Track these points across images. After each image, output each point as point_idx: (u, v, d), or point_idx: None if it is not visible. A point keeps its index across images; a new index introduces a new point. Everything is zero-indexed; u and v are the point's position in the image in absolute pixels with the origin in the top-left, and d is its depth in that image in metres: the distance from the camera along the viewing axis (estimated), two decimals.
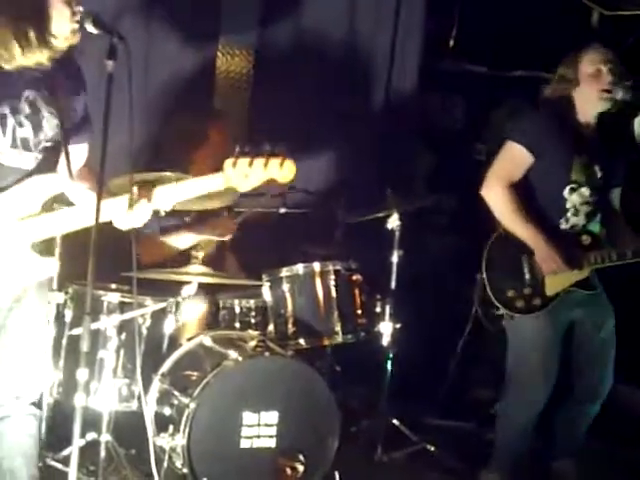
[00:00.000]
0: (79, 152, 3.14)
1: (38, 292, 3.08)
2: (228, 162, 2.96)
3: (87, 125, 3.17)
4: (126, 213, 2.98)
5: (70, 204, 3.11)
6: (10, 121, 2.88)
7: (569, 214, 3.93)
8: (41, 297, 3.13)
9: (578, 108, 3.97)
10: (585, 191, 3.92)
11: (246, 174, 2.95)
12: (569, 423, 4.17)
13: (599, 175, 3.96)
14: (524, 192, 3.95)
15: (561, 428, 4.18)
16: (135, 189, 2.98)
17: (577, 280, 3.94)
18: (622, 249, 3.90)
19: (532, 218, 3.89)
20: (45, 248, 3.02)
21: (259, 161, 2.93)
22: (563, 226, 3.95)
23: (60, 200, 3.07)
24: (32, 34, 2.84)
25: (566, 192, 3.91)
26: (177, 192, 3.06)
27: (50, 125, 2.97)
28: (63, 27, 2.89)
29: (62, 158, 3.01)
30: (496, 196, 3.93)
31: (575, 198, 3.92)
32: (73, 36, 2.93)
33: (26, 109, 2.92)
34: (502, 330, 4.12)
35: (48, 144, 2.98)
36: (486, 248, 4.03)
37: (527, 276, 3.94)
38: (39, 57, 2.89)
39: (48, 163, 2.99)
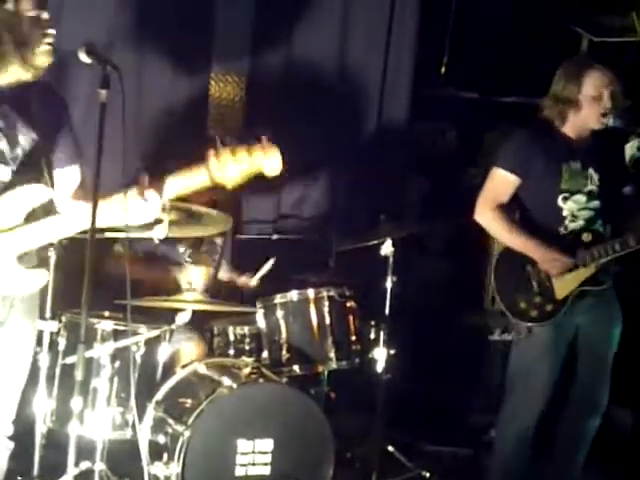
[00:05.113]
0: (67, 176, 3.11)
1: (25, 314, 3.01)
2: (210, 153, 2.84)
3: (73, 151, 3.12)
4: (122, 212, 2.87)
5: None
6: None
7: (567, 221, 3.95)
8: (28, 318, 3.06)
9: (571, 124, 3.98)
10: (580, 198, 3.94)
11: (230, 165, 2.84)
12: (569, 443, 4.13)
13: (596, 178, 3.96)
14: (521, 206, 4.02)
15: (561, 450, 4.15)
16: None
17: (585, 278, 3.93)
18: (624, 238, 3.88)
19: (527, 229, 3.95)
20: (33, 260, 2.97)
21: (241, 149, 2.83)
22: (562, 232, 3.96)
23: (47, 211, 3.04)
24: (8, 48, 2.86)
25: (560, 201, 3.93)
26: (169, 188, 2.92)
27: (27, 139, 2.94)
28: (35, 46, 2.90)
29: (45, 172, 2.98)
30: (487, 219, 4.02)
31: (571, 205, 3.94)
32: (48, 57, 2.93)
33: (0, 123, 2.91)
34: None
35: (25, 158, 2.94)
36: (491, 268, 4.07)
37: (535, 284, 3.95)
38: (19, 74, 2.91)
39: (26, 176, 2.94)
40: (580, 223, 3.95)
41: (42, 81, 3.01)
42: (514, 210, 4.05)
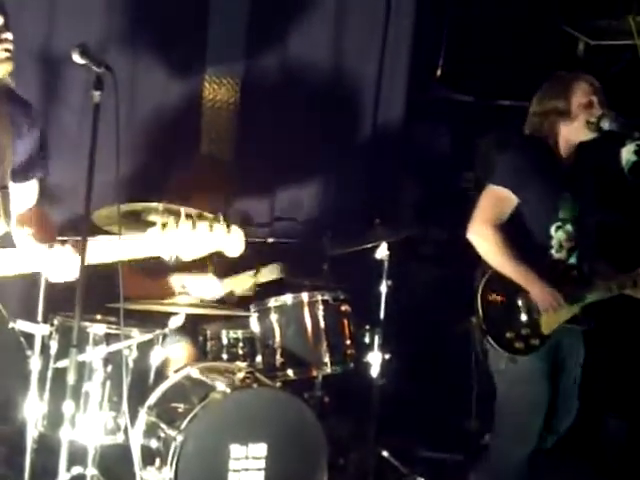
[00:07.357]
0: (24, 191, 3.07)
1: None
2: (170, 223, 2.84)
3: (35, 164, 3.08)
4: (55, 266, 2.88)
5: None
6: None
7: (553, 251, 3.89)
8: None
9: (563, 140, 3.92)
10: (569, 227, 3.89)
11: (187, 241, 2.83)
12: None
13: (578, 209, 3.91)
14: (510, 229, 3.87)
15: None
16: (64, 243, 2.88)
17: (570, 316, 3.88)
18: (608, 284, 3.90)
19: (521, 257, 3.81)
20: None
21: (203, 224, 2.84)
22: (547, 262, 3.89)
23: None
24: None
25: (552, 230, 3.87)
26: (110, 250, 2.90)
27: None
28: None
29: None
30: (484, 238, 3.85)
31: (560, 235, 3.88)
32: (3, 66, 2.85)
33: None
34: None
35: None
36: (479, 291, 3.90)
37: (524, 316, 3.85)
38: None
39: None
40: (563, 254, 3.90)
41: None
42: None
